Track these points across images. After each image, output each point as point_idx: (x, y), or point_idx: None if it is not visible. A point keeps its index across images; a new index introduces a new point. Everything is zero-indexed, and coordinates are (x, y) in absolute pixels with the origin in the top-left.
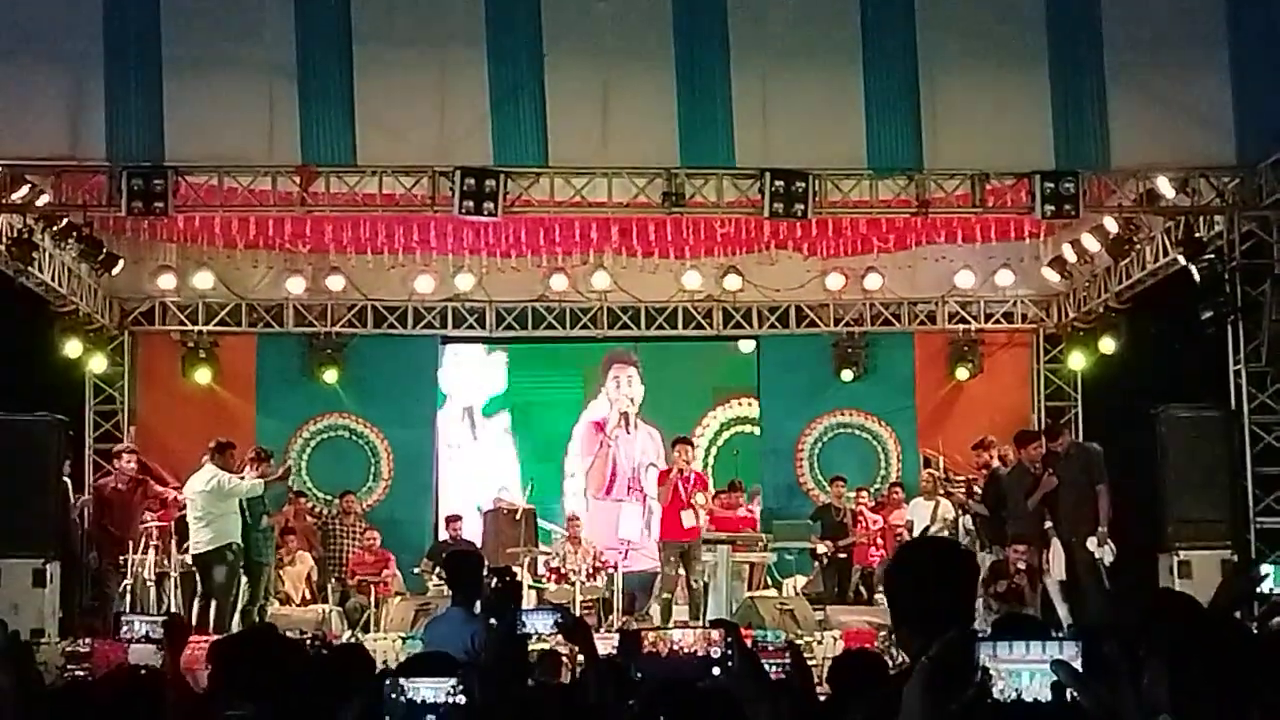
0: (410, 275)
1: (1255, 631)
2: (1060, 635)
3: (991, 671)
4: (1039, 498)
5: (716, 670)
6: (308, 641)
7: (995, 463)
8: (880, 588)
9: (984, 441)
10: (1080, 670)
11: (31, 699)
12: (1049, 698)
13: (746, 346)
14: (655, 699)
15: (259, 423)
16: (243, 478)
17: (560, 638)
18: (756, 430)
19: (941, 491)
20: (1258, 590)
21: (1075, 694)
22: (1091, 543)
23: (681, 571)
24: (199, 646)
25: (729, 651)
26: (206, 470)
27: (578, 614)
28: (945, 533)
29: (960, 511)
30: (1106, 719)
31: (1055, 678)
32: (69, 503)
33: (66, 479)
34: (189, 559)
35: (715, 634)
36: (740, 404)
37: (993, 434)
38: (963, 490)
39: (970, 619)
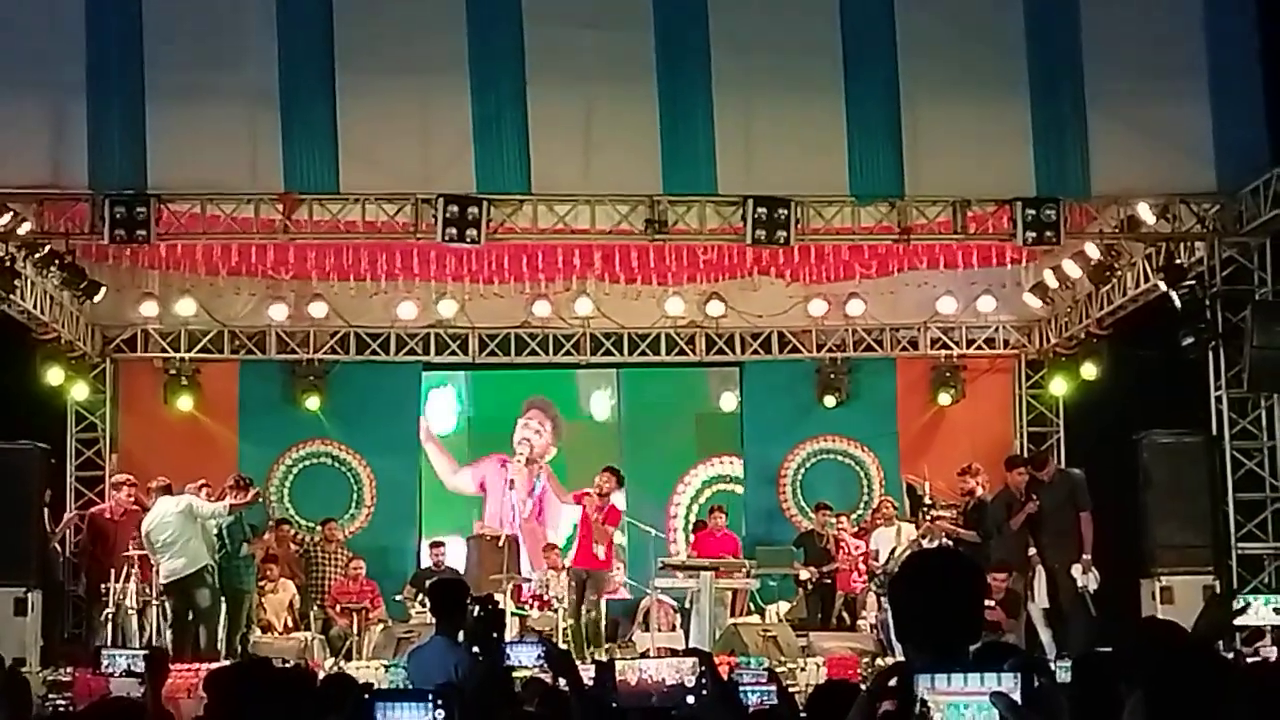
0: (393, 302)
1: (1238, 658)
2: (1001, 667)
3: (930, 704)
4: (1020, 519)
5: (691, 699)
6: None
7: (980, 490)
8: (863, 613)
9: (969, 468)
10: (1018, 702)
11: None
12: None
13: (728, 404)
14: None
15: (241, 450)
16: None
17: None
18: (739, 489)
19: (929, 519)
20: (1236, 622)
21: None
22: (1076, 570)
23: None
24: (179, 675)
25: (702, 680)
26: (170, 498)
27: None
28: None
29: (943, 537)
30: None
31: (995, 710)
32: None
33: (45, 507)
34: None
35: (689, 662)
36: (723, 463)
37: (975, 459)
38: (948, 517)
39: (977, 635)
